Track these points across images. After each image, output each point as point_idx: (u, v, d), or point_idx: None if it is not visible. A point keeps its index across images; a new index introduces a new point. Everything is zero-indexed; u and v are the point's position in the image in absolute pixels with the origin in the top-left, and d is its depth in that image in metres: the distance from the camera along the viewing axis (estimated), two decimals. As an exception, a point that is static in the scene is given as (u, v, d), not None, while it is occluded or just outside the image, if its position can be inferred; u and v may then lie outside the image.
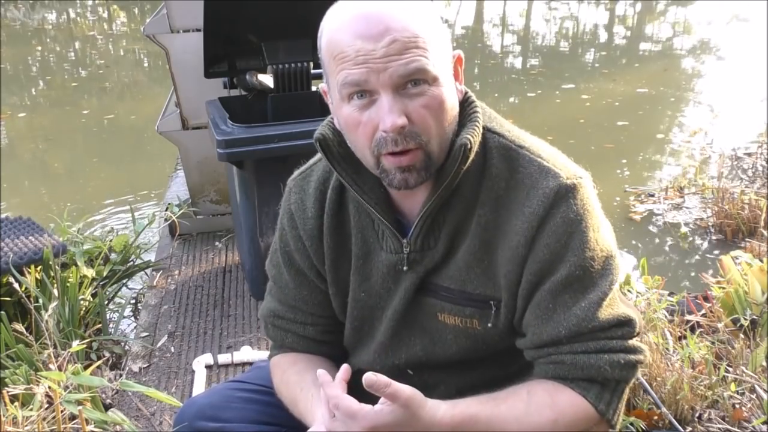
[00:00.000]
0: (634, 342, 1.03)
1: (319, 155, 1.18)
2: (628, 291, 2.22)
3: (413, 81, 0.95)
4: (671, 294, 2.30)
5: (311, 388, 1.12)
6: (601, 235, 1.03)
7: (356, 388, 1.22)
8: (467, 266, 1.07)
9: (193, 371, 2.21)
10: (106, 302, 2.51)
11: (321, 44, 1.00)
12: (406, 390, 0.94)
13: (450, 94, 1.00)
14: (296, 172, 1.22)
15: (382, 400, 0.95)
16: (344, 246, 1.15)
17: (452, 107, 1.01)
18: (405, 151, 0.97)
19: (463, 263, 1.07)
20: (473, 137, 1.01)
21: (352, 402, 0.95)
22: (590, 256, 1.01)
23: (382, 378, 0.93)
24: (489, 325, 1.08)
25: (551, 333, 1.02)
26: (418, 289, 1.11)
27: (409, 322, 1.14)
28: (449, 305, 1.10)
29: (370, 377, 0.93)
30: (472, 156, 1.02)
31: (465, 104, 1.07)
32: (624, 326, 1.02)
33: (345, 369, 1.03)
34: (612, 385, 1.03)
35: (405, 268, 1.10)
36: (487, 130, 1.07)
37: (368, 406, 0.95)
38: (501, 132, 1.07)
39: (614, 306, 1.03)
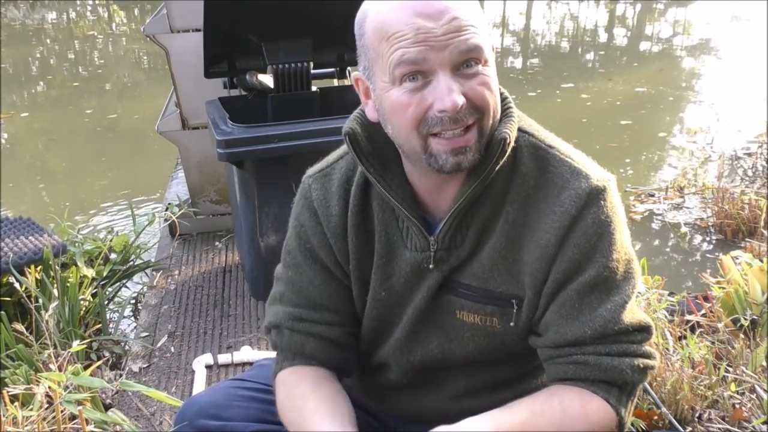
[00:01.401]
0: (648, 347, 1.04)
1: (336, 153, 1.18)
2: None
3: (467, 62, 0.95)
4: (671, 294, 2.29)
5: (323, 419, 1.04)
6: (625, 238, 1.04)
7: (372, 386, 1.22)
8: (491, 264, 1.06)
9: (193, 371, 2.21)
10: (106, 302, 2.51)
11: (366, 29, 0.98)
12: None
13: (495, 80, 1.00)
14: (313, 170, 1.18)
15: None
16: (368, 244, 1.13)
17: (497, 93, 1.01)
18: (466, 127, 0.96)
19: (488, 261, 1.06)
20: (511, 132, 1.02)
21: None
22: (616, 259, 1.02)
23: None
24: (511, 324, 1.08)
25: (576, 333, 1.02)
26: (440, 286, 1.10)
27: (428, 319, 1.13)
28: (469, 303, 1.09)
29: None
30: (509, 151, 1.02)
31: (500, 100, 1.06)
32: (644, 331, 1.04)
33: None
34: (629, 389, 1.03)
35: (431, 266, 1.08)
36: (517, 128, 1.07)
37: None
38: (530, 131, 1.08)
39: (635, 310, 1.04)
